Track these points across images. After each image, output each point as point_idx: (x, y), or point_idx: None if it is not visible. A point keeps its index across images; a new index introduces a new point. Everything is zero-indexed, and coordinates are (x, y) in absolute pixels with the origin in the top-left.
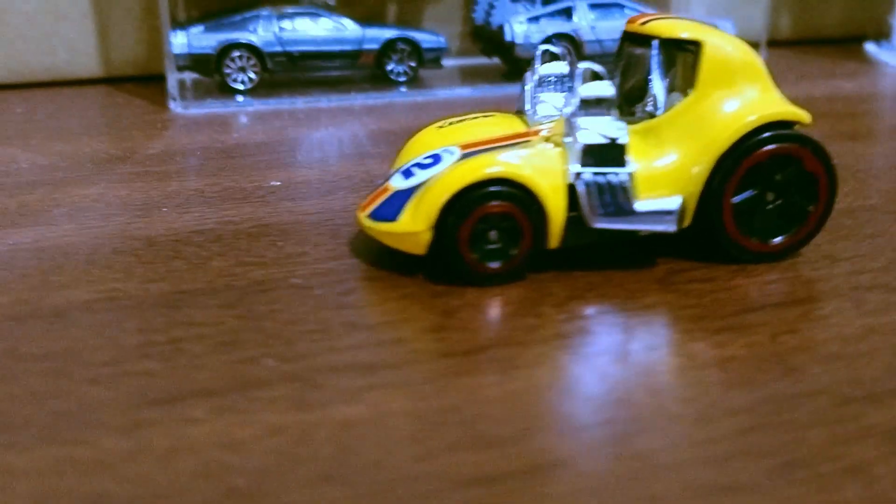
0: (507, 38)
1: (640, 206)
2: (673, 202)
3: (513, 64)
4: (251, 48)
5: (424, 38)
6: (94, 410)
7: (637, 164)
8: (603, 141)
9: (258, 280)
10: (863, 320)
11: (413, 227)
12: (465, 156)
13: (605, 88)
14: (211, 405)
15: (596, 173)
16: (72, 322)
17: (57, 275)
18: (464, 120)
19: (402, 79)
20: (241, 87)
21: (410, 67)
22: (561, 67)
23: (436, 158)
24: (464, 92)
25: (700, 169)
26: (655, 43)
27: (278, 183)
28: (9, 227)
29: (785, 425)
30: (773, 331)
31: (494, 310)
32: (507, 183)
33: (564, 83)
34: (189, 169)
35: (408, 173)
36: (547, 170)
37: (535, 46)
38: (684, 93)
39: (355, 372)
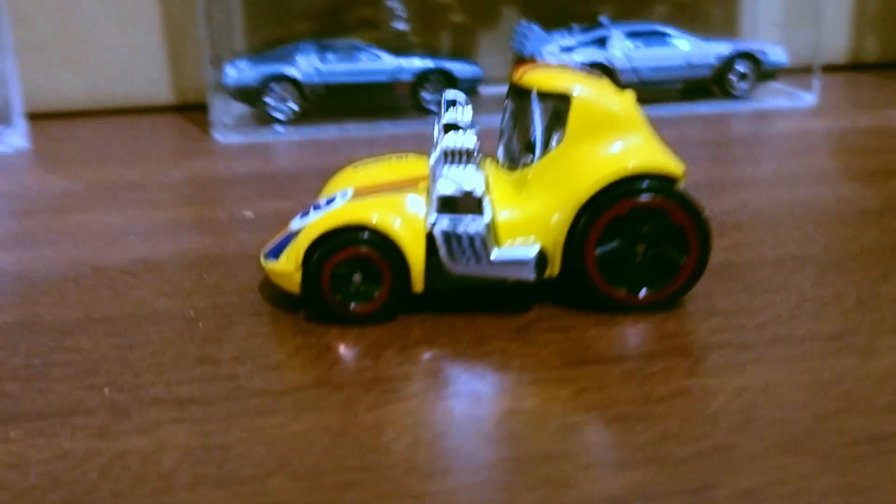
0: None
1: (496, 254)
2: (529, 251)
3: None
4: (292, 80)
5: (459, 69)
6: None
7: (505, 213)
8: (458, 192)
9: (159, 310)
10: (682, 381)
11: (286, 267)
12: (354, 198)
13: (467, 140)
14: (29, 427)
15: (452, 222)
16: None
17: None
18: (378, 161)
19: (435, 108)
20: (282, 118)
21: None
22: (463, 114)
23: (331, 201)
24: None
25: (561, 218)
26: (534, 94)
27: (251, 215)
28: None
29: (508, 490)
30: (583, 386)
31: (338, 351)
32: (368, 229)
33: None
34: (187, 196)
35: (305, 214)
36: (411, 217)
37: None
38: (558, 143)
39: (170, 405)
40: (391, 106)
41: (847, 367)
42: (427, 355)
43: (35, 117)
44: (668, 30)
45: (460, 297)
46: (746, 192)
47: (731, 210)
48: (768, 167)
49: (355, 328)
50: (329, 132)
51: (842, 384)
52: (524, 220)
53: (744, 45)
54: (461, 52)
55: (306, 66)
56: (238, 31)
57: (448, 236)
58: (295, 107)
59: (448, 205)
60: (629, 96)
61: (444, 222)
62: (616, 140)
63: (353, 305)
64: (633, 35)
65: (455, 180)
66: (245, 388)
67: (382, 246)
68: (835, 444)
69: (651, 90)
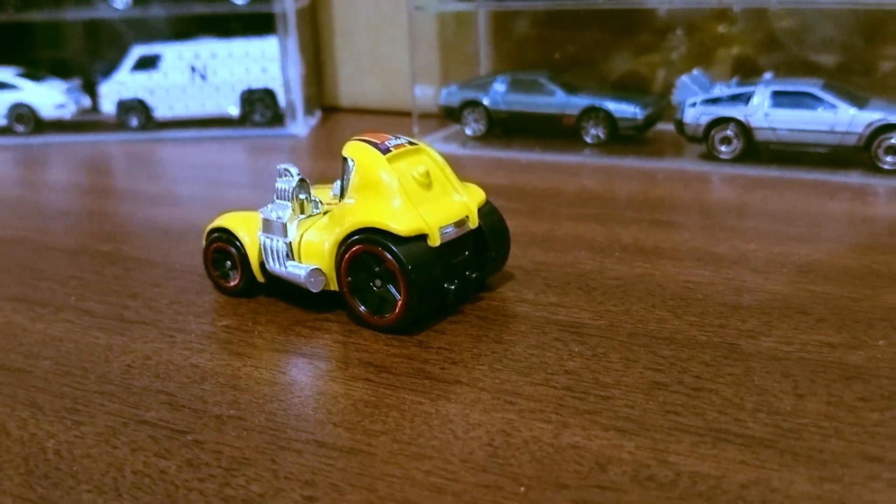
0: (677, 115)
1: (289, 267)
2: (302, 271)
3: (687, 141)
4: (482, 105)
5: (618, 108)
6: None
7: (311, 236)
8: (270, 218)
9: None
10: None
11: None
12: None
13: (288, 183)
14: None
15: (267, 237)
16: None
17: None
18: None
19: (590, 140)
20: (471, 134)
21: (604, 133)
22: (292, 177)
23: None
24: (632, 163)
25: (329, 249)
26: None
27: None
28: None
29: None
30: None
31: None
32: (226, 231)
33: (297, 193)
34: None
35: None
36: (254, 228)
37: (701, 127)
38: (344, 192)
39: None
40: (559, 132)
41: None
42: (229, 321)
43: (344, 111)
44: (821, 93)
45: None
46: None
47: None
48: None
49: (228, 300)
50: (509, 154)
51: None
52: (318, 245)
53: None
54: (633, 93)
55: (494, 94)
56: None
57: (264, 246)
58: (482, 127)
59: (265, 225)
60: (408, 165)
61: (263, 237)
62: (374, 198)
63: (226, 283)
64: (780, 94)
65: (272, 210)
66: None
67: (233, 244)
68: None
69: (790, 152)
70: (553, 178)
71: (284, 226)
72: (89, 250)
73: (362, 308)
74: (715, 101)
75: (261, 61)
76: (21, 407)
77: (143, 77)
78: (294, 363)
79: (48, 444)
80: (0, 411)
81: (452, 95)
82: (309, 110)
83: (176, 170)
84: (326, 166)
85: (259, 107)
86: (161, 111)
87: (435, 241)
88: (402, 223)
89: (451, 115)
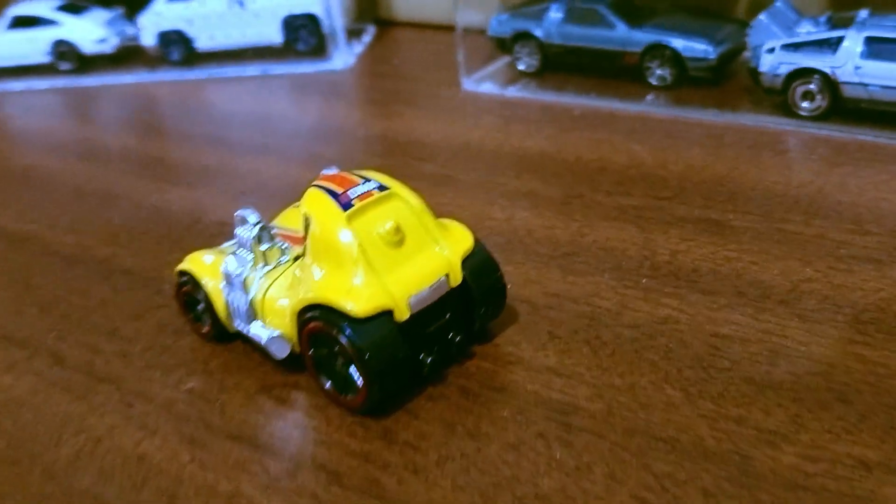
0: (753, 63)
1: (252, 327)
2: (265, 334)
3: (764, 93)
4: (532, 37)
5: (687, 46)
6: None
7: (274, 293)
8: (229, 271)
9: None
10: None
11: None
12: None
13: (247, 232)
14: None
15: (228, 290)
16: None
17: None
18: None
19: (655, 83)
20: (524, 69)
21: (671, 75)
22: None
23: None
24: (700, 116)
25: (290, 318)
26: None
27: None
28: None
29: None
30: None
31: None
32: (190, 275)
33: (258, 244)
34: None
35: None
36: (220, 273)
37: (779, 78)
38: (304, 252)
39: None
40: (621, 71)
41: None
42: (193, 383)
43: (400, 25)
44: None
45: None
46: None
47: None
48: None
49: (202, 345)
50: (561, 99)
51: None
52: (279, 307)
53: None
54: (709, 22)
55: (549, 25)
56: None
57: (226, 301)
58: (536, 62)
59: (226, 279)
60: (375, 220)
61: (225, 290)
62: (332, 267)
63: (197, 325)
64: (875, 41)
65: (234, 262)
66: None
67: (200, 291)
68: None
69: (885, 113)
70: (604, 141)
71: (245, 281)
72: (86, 257)
73: (328, 385)
74: (797, 46)
75: None
76: None
77: (180, 6)
78: (244, 461)
79: None
80: None
81: (503, 25)
82: (356, 33)
83: (215, 122)
84: (370, 112)
85: (303, 34)
86: (202, 42)
87: (402, 315)
88: (359, 302)
89: (502, 46)
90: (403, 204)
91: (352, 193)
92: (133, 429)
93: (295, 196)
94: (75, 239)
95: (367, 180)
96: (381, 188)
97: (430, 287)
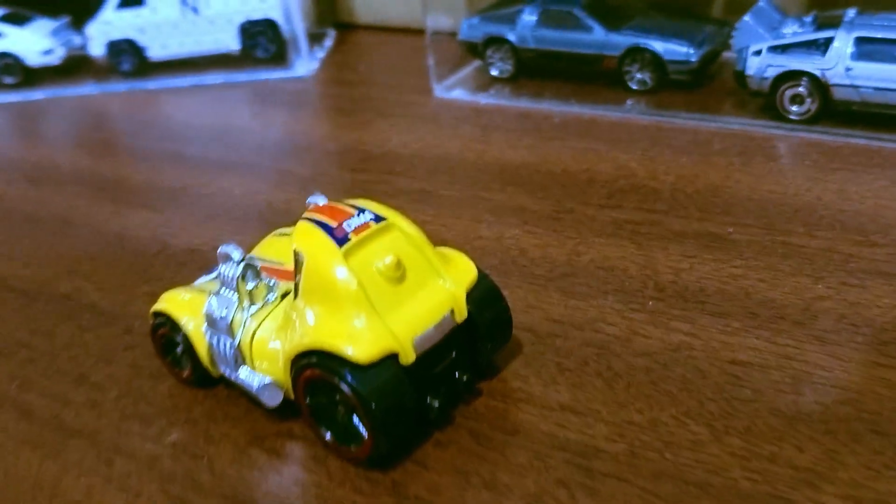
0: (739, 66)
1: (240, 372)
2: (256, 381)
3: (749, 96)
4: (505, 42)
5: (668, 49)
6: None
7: (263, 334)
8: (212, 314)
9: None
10: None
11: None
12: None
13: (231, 270)
14: None
15: (212, 334)
16: None
17: None
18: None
19: (635, 87)
20: (497, 75)
21: (651, 78)
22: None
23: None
24: (684, 121)
25: (283, 364)
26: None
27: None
28: None
29: None
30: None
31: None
32: (167, 317)
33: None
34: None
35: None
36: (200, 313)
37: (766, 81)
38: (297, 291)
39: None
40: (599, 76)
41: None
42: (174, 435)
43: (361, 28)
44: None
45: None
46: None
47: None
48: None
49: (186, 391)
50: (539, 106)
51: None
52: (272, 350)
53: None
54: (688, 24)
55: (522, 29)
56: None
57: (211, 345)
58: (509, 67)
59: (209, 321)
60: (373, 255)
61: (209, 333)
62: (329, 309)
63: (176, 370)
64: (866, 41)
65: (217, 303)
66: None
67: (178, 334)
68: None
69: (877, 115)
70: (588, 150)
71: (231, 324)
72: (46, 292)
73: (328, 436)
74: (784, 48)
75: None
76: None
77: (130, 14)
78: None
79: None
80: None
81: (474, 29)
82: (317, 38)
83: (173, 137)
84: (338, 123)
85: (262, 40)
86: (154, 51)
87: (408, 358)
88: (362, 347)
89: (473, 51)
90: (402, 235)
91: (347, 227)
92: (114, 490)
93: (269, 219)
94: (32, 272)
95: (362, 210)
96: (378, 219)
97: (436, 325)
